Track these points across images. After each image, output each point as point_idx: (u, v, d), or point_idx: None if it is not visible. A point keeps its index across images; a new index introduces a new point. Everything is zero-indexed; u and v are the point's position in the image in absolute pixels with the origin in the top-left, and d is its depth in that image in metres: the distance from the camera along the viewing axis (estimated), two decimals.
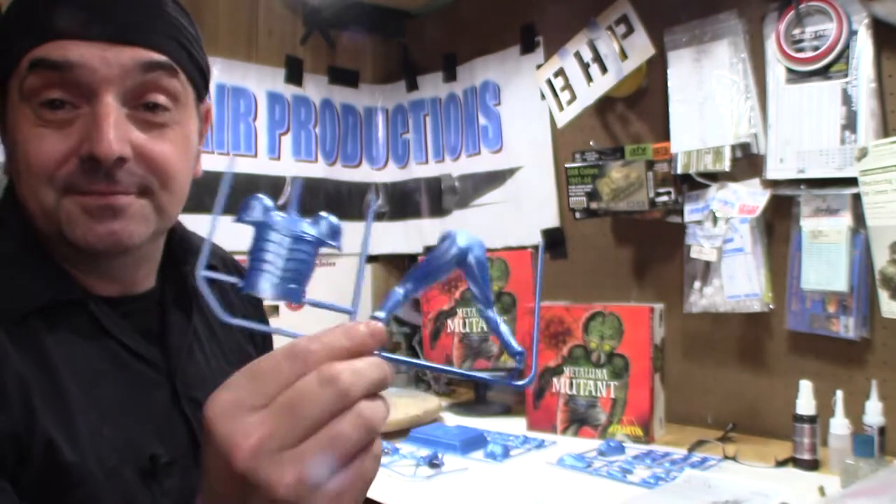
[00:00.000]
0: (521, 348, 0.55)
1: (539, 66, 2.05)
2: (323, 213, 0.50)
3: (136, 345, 0.75)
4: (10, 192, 0.76)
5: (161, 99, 0.72)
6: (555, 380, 1.77)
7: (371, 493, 1.39)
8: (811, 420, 1.45)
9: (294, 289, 0.49)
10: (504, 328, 0.56)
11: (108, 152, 0.67)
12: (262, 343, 0.97)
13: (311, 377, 0.44)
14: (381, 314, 0.51)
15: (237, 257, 0.95)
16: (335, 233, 0.50)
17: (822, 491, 1.30)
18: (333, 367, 0.45)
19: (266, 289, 0.48)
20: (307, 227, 0.49)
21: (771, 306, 1.68)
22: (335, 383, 0.44)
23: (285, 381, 0.44)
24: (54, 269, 0.73)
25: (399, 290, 0.52)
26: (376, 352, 0.48)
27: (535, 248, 2.16)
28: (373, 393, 0.46)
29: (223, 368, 0.84)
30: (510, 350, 0.55)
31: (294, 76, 2.42)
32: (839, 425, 1.42)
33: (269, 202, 0.49)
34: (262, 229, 0.48)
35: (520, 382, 0.54)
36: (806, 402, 1.47)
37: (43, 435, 0.65)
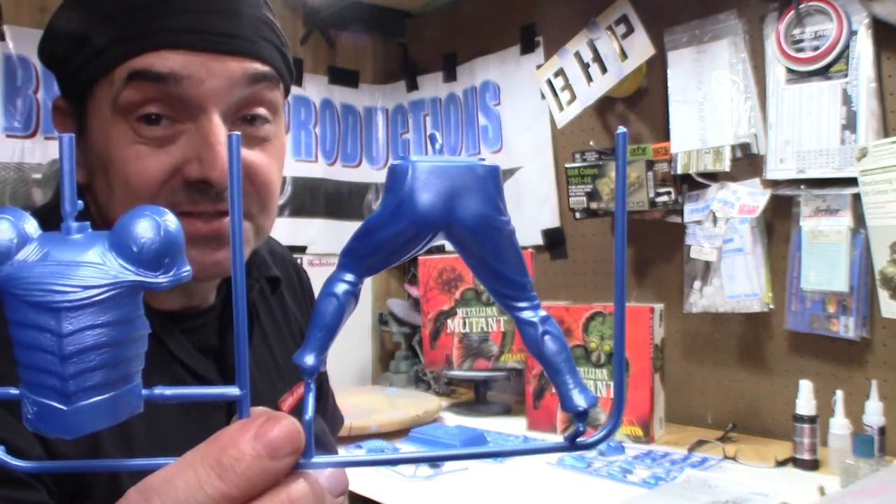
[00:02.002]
0: (585, 403, 0.30)
1: (539, 66, 2.05)
2: (140, 214, 0.26)
3: (198, 366, 0.72)
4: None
5: (262, 111, 0.68)
6: None
7: (371, 493, 1.40)
8: (811, 420, 1.45)
9: (125, 393, 0.27)
10: (567, 361, 0.30)
11: (224, 177, 0.61)
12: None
13: None
14: (309, 358, 0.29)
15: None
16: (160, 256, 0.26)
17: (822, 491, 1.29)
18: None
19: (63, 425, 0.26)
20: (98, 255, 0.25)
21: (771, 306, 1.67)
22: None
23: None
24: None
25: (336, 291, 0.30)
26: (301, 460, 0.28)
27: (536, 248, 2.16)
28: None
29: (277, 388, 0.82)
30: (567, 405, 0.30)
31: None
32: (839, 425, 1.43)
33: (23, 222, 0.26)
34: (9, 300, 0.26)
35: (589, 440, 0.31)
36: (806, 402, 1.47)
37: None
